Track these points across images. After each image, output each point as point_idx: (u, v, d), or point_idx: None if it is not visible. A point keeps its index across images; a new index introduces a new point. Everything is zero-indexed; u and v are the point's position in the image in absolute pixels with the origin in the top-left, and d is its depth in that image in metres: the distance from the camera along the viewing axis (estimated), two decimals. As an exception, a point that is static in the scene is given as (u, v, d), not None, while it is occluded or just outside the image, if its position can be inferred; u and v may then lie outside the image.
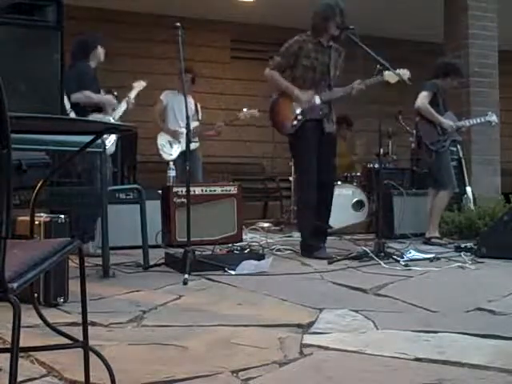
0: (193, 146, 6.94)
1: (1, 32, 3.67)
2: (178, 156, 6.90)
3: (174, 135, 6.96)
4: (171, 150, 6.96)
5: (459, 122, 6.14)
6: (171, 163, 6.39)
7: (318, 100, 5.05)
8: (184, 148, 6.87)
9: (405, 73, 5.05)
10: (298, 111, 5.06)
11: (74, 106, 5.17)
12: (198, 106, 7.30)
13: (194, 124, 7.01)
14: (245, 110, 7.09)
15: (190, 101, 7.10)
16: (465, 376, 2.01)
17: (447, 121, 5.98)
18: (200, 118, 7.24)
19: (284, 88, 5.10)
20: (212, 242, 5.13)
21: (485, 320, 2.82)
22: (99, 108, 5.36)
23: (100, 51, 5.47)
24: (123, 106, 5.60)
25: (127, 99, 5.65)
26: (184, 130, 6.80)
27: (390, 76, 4.95)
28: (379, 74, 4.92)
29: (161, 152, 7.01)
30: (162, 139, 7.05)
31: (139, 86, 5.82)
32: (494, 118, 6.36)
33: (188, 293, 3.47)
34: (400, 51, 9.70)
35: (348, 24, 4.98)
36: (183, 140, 6.88)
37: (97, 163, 4.80)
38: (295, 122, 5.04)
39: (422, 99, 5.91)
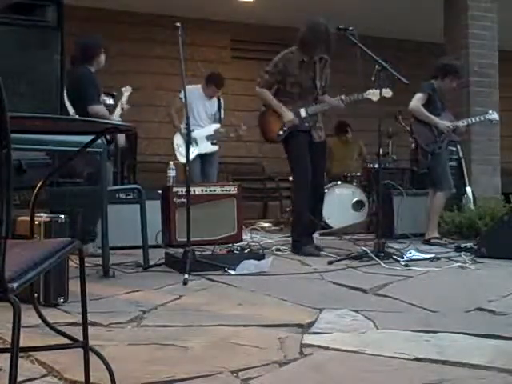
0: (212, 149, 6.93)
1: (1, 32, 3.66)
2: (194, 158, 6.67)
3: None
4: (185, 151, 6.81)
5: (457, 122, 6.13)
6: (171, 163, 6.36)
7: (303, 113, 5.28)
8: (202, 151, 6.85)
9: (387, 92, 5.21)
10: (284, 122, 5.28)
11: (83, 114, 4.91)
12: (222, 105, 7.14)
13: (215, 126, 7.00)
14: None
15: (214, 100, 7.07)
16: (465, 376, 2.01)
17: (443, 122, 5.97)
18: (222, 117, 7.11)
19: (273, 106, 5.35)
20: (212, 241, 5.13)
21: (485, 320, 2.82)
22: None
23: (102, 57, 5.40)
24: (118, 112, 5.58)
25: (120, 104, 5.62)
26: (200, 132, 6.82)
27: (372, 94, 5.19)
28: (377, 74, 4.97)
29: (176, 152, 6.79)
30: (179, 139, 6.78)
31: (127, 90, 5.77)
32: (494, 116, 6.33)
33: (188, 293, 3.47)
34: (400, 51, 9.73)
35: (347, 26, 5.03)
36: (200, 142, 6.84)
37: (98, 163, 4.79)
38: (281, 132, 5.30)
39: (415, 101, 5.93)
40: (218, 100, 7.11)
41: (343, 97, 5.32)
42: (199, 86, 6.96)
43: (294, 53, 5.26)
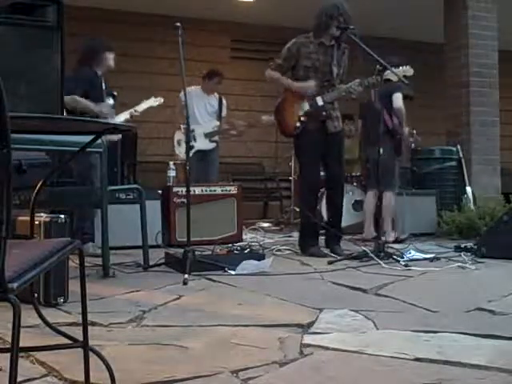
0: (209, 146, 6.93)
1: (1, 32, 3.67)
2: (193, 154, 6.65)
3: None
4: (183, 149, 6.81)
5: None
6: (171, 163, 6.37)
7: (320, 101, 5.06)
8: (200, 147, 6.86)
9: (408, 70, 5.06)
10: (301, 113, 5.09)
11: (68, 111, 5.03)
12: (224, 103, 7.13)
13: (215, 123, 7.00)
14: (268, 116, 6.95)
15: (214, 99, 7.07)
16: (465, 376, 2.01)
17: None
18: (224, 115, 7.10)
19: (285, 85, 5.15)
20: (212, 241, 5.13)
21: (485, 320, 2.82)
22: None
23: (108, 57, 5.44)
24: (125, 116, 5.54)
25: (132, 111, 5.57)
26: (199, 129, 6.82)
27: (390, 75, 5.02)
28: (379, 74, 4.94)
29: (176, 149, 6.82)
30: (180, 135, 6.78)
31: (154, 102, 5.71)
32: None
33: (188, 293, 3.47)
34: (400, 51, 9.72)
35: (350, 24, 4.97)
36: (199, 139, 6.85)
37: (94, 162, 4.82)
38: (298, 124, 5.09)
39: (401, 102, 5.97)
40: (220, 100, 7.10)
41: (358, 80, 5.10)
42: (198, 87, 6.97)
43: (310, 37, 5.08)
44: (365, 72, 5.22)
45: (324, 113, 5.08)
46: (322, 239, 5.36)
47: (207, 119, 6.96)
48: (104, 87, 5.52)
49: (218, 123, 6.96)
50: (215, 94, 7.11)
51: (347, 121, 8.07)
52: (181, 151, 6.82)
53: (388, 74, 5.02)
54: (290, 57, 5.09)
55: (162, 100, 5.80)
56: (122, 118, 5.54)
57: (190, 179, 6.40)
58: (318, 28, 5.06)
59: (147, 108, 5.72)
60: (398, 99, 5.96)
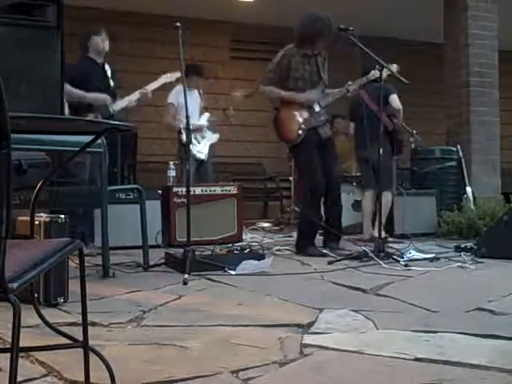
0: (216, 137, 6.91)
1: (1, 32, 3.66)
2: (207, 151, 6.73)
3: (199, 130, 6.69)
4: (201, 147, 6.72)
5: None
6: (171, 163, 6.35)
7: (317, 107, 5.13)
8: (211, 141, 6.83)
9: (394, 66, 5.18)
10: (301, 120, 5.11)
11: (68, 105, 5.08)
12: (201, 92, 7.09)
13: (206, 115, 6.96)
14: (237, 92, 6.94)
15: (197, 96, 7.04)
16: (465, 376, 2.01)
17: None
18: (203, 105, 7.07)
19: (286, 97, 5.15)
20: (212, 241, 5.13)
21: (485, 320, 2.82)
22: (90, 107, 5.28)
23: (96, 40, 5.41)
24: (135, 96, 5.48)
25: (142, 90, 5.50)
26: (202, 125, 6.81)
27: (377, 72, 5.03)
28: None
29: (193, 151, 6.76)
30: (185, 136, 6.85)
31: (170, 78, 5.56)
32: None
33: (188, 293, 3.47)
34: (400, 51, 9.73)
35: (347, 26, 4.98)
36: (208, 135, 6.83)
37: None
38: (300, 132, 5.09)
39: (399, 102, 6.01)
40: (198, 92, 7.05)
41: (350, 82, 5.19)
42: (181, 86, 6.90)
43: (293, 49, 5.12)
44: (363, 72, 5.24)
45: (322, 118, 5.15)
46: (320, 239, 5.38)
47: (198, 115, 6.91)
48: (110, 74, 5.47)
49: (208, 114, 6.94)
50: (197, 92, 7.02)
51: (340, 119, 7.98)
52: (200, 151, 6.74)
53: (376, 74, 5.05)
54: (282, 69, 5.12)
55: (179, 74, 5.33)
56: (126, 101, 5.47)
57: (205, 178, 6.46)
58: (302, 40, 5.09)
59: (160, 85, 5.57)
60: (395, 100, 5.97)
